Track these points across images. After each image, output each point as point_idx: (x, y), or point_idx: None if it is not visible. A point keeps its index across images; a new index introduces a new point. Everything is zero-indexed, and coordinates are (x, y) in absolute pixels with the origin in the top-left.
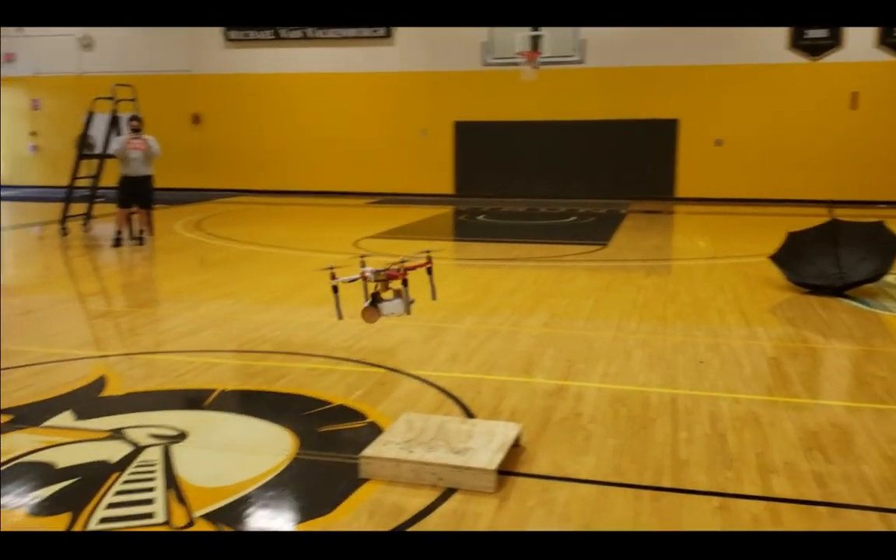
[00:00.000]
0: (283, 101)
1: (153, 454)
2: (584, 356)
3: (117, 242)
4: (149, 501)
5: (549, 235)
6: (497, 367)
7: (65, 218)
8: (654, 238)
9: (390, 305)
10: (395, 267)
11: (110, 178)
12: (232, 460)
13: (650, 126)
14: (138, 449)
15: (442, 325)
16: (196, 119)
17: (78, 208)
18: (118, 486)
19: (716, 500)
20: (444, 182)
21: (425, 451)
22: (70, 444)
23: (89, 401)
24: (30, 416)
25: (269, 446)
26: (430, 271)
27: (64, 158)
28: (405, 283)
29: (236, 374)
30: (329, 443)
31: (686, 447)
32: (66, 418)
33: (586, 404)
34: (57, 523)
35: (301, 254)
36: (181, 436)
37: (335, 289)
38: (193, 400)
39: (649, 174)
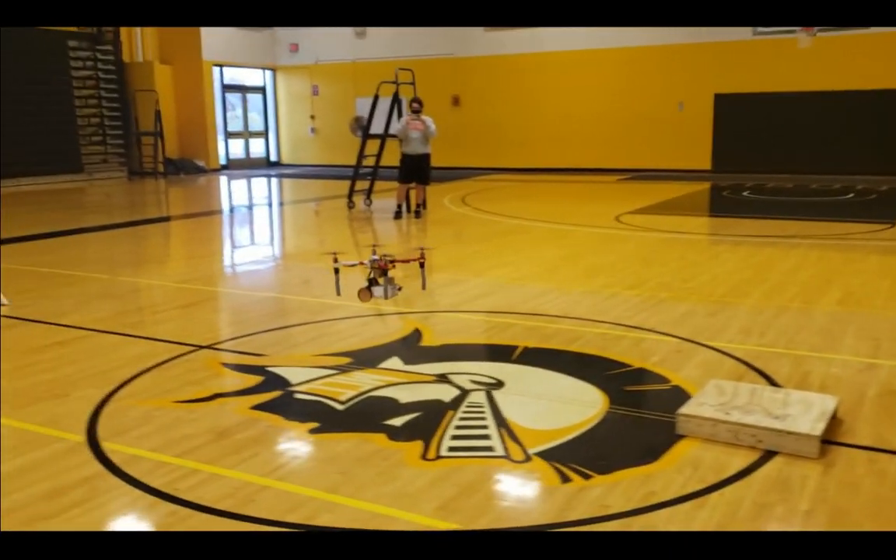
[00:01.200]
0: (537, 80)
1: (478, 397)
2: (892, 336)
3: (398, 215)
4: (486, 437)
5: (827, 213)
6: (795, 342)
7: (351, 193)
8: None
9: (378, 290)
10: (389, 259)
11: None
12: (550, 408)
13: None
14: (465, 392)
15: (725, 300)
16: (456, 100)
17: (360, 184)
18: (455, 422)
19: None
20: (700, 157)
21: (742, 414)
22: (405, 385)
23: (412, 349)
24: (365, 359)
25: (582, 399)
26: (422, 265)
27: (338, 139)
28: (385, 273)
29: (532, 334)
30: (637, 401)
31: None
32: (396, 362)
33: None
34: (414, 448)
35: (566, 228)
36: (499, 384)
37: (336, 271)
38: (501, 353)
39: None
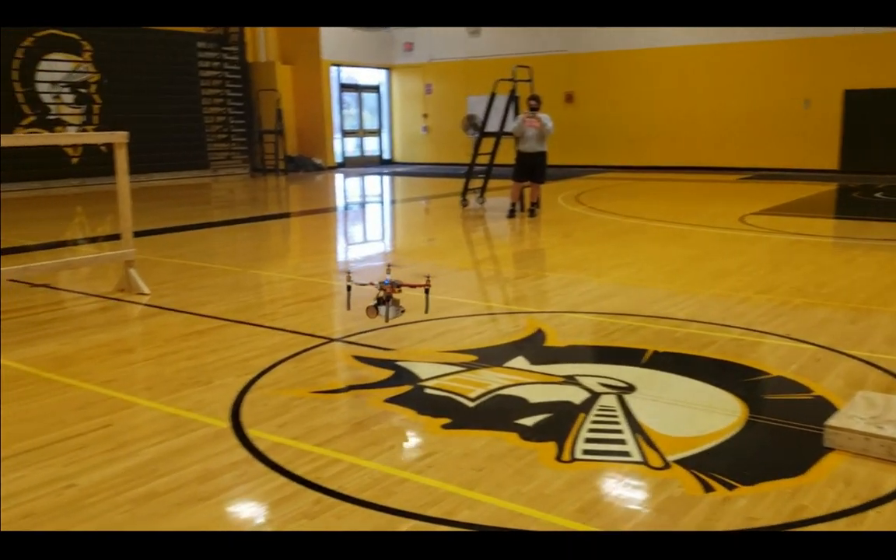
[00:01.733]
0: (653, 76)
1: (610, 401)
2: None
3: (512, 213)
4: (621, 442)
5: None
6: None
7: (465, 191)
8: None
9: (383, 309)
10: (396, 284)
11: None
12: (686, 415)
13: None
14: (595, 395)
15: (866, 307)
16: (569, 98)
17: (474, 182)
18: (588, 425)
19: None
20: (827, 156)
21: None
22: (533, 385)
23: (536, 349)
24: (491, 357)
25: (719, 406)
26: (427, 291)
27: (449, 137)
28: (389, 297)
29: (662, 338)
30: (779, 410)
31: None
32: (521, 362)
33: None
34: (548, 450)
35: (687, 228)
36: (630, 388)
37: (349, 288)
38: (630, 357)
39: None
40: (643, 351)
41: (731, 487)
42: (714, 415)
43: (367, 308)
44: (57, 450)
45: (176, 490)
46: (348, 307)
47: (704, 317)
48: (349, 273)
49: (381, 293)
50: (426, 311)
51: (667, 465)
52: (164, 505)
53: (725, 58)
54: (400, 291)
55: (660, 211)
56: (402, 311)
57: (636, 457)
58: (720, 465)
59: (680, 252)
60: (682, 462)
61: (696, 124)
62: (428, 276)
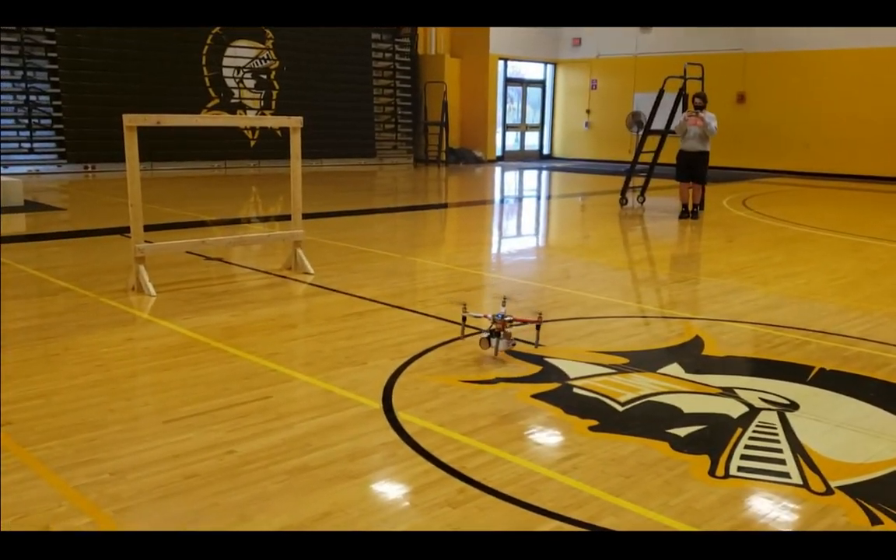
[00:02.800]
0: (828, 79)
1: (770, 418)
2: None
3: (683, 215)
4: (780, 462)
5: None
6: None
7: (625, 189)
8: None
9: (495, 341)
10: (508, 320)
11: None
12: (853, 439)
13: None
14: (754, 410)
15: None
16: (741, 98)
17: (635, 181)
18: (744, 441)
19: None
20: None
21: None
22: (687, 394)
23: (693, 357)
24: (644, 361)
25: (891, 433)
26: (538, 327)
27: (611, 134)
28: (500, 331)
29: (830, 355)
30: None
31: None
32: (676, 369)
33: None
34: (700, 462)
35: (862, 240)
36: (793, 405)
37: (464, 319)
38: (794, 372)
39: None
40: (809, 368)
41: None
42: (884, 442)
43: (480, 340)
44: (221, 416)
45: (327, 466)
46: (462, 334)
47: (878, 336)
48: (464, 305)
49: (494, 326)
50: (536, 346)
51: (830, 491)
52: (315, 479)
53: None
54: (511, 325)
55: (832, 220)
56: (514, 344)
57: (796, 479)
58: (890, 496)
59: (854, 265)
60: (847, 489)
61: (871, 130)
62: (540, 314)
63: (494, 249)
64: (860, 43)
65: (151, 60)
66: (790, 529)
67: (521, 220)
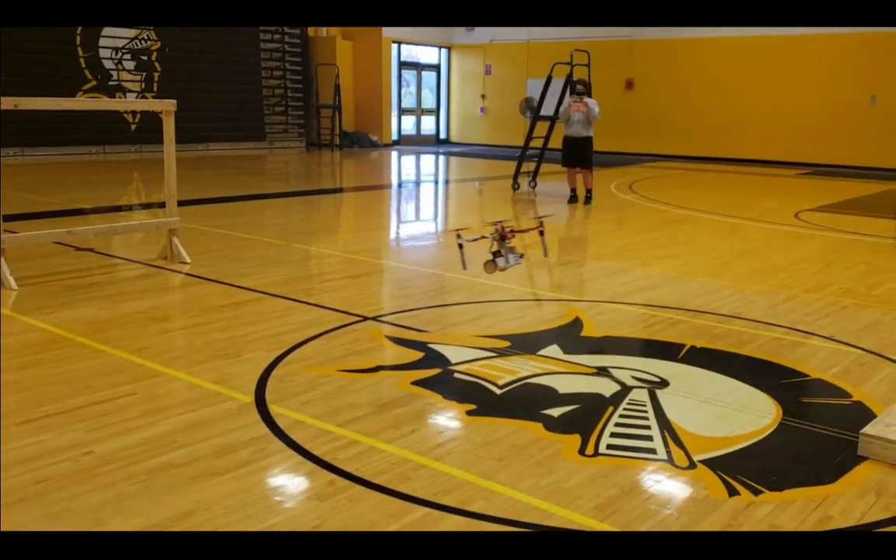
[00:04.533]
0: (714, 65)
1: (641, 395)
2: None
3: (572, 199)
4: (648, 438)
5: None
6: None
7: (517, 174)
8: None
9: (502, 260)
10: (511, 230)
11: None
12: (718, 414)
13: None
14: (626, 388)
15: None
16: (629, 84)
17: (526, 166)
18: (615, 419)
19: None
20: (893, 155)
21: None
22: (564, 375)
23: (571, 338)
24: (524, 344)
25: (753, 407)
26: (542, 233)
27: (506, 119)
28: (504, 239)
29: (701, 333)
30: (814, 414)
31: None
32: (555, 350)
33: None
34: (571, 442)
35: (739, 222)
36: (663, 383)
37: (460, 246)
38: (666, 351)
39: None
40: (681, 346)
41: (756, 492)
42: (746, 415)
43: (485, 264)
44: (80, 415)
45: (191, 463)
46: (464, 267)
47: (748, 313)
48: (458, 231)
49: (495, 246)
50: (545, 256)
51: (692, 465)
52: (178, 478)
53: (790, 49)
54: (514, 237)
55: (714, 203)
56: (522, 257)
57: (662, 455)
58: (748, 468)
59: (730, 246)
60: (709, 462)
61: (756, 116)
62: (541, 220)
63: (388, 235)
64: (740, 31)
65: (24, 39)
66: (653, 505)
67: (417, 205)
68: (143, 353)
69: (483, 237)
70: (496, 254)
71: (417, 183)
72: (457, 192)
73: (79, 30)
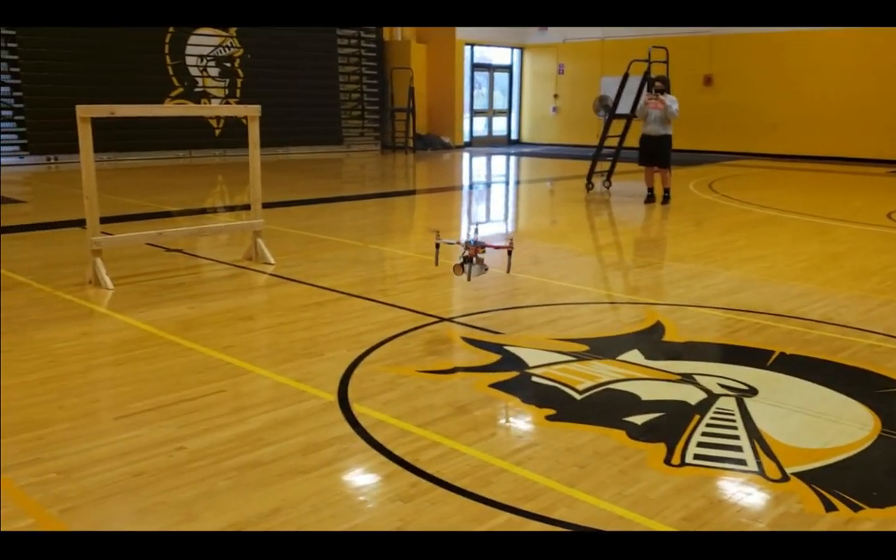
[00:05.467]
0: (797, 60)
1: (728, 404)
2: None
3: (649, 199)
4: (737, 448)
5: None
6: None
7: (591, 174)
8: None
9: (473, 269)
10: (482, 244)
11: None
12: (812, 424)
13: None
14: (713, 396)
15: None
16: (708, 80)
17: (601, 165)
18: (702, 428)
19: None
20: None
21: None
22: (646, 381)
23: (653, 343)
24: (603, 348)
25: (849, 417)
26: (509, 253)
27: (579, 119)
28: (474, 257)
29: (791, 339)
30: None
31: None
32: (636, 355)
33: None
34: (656, 451)
35: (827, 222)
36: (751, 391)
37: (437, 245)
38: (754, 357)
39: None
40: (769, 352)
41: (856, 508)
42: (842, 426)
43: (454, 266)
44: (172, 411)
45: (279, 461)
46: (436, 263)
47: (840, 319)
48: (437, 232)
49: (467, 252)
50: (508, 272)
51: (785, 478)
52: (266, 475)
53: (877, 43)
54: (484, 251)
55: (798, 202)
56: (486, 270)
57: (752, 466)
58: (845, 482)
59: (818, 248)
60: (803, 475)
61: (842, 112)
62: (511, 238)
63: (462, 237)
64: (826, 25)
65: (114, 49)
66: (744, 518)
67: (488, 206)
68: (230, 350)
69: (458, 243)
70: (467, 259)
71: (488, 184)
72: (528, 192)
73: (167, 38)
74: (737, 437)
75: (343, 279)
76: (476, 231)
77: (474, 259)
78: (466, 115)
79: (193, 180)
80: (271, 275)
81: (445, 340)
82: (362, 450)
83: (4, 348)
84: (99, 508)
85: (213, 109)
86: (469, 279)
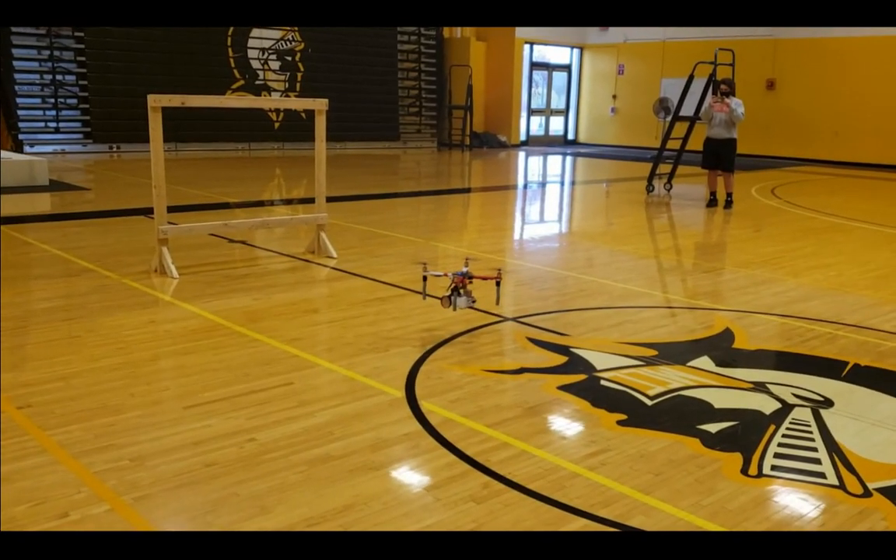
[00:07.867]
0: (863, 66)
1: (804, 415)
2: None
3: (711, 203)
4: (816, 461)
5: None
6: None
7: (652, 176)
8: None
9: (459, 300)
10: (469, 276)
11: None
12: (891, 439)
13: None
14: (787, 407)
15: None
16: (770, 84)
17: (662, 168)
18: (778, 439)
19: None
20: None
21: None
22: (718, 388)
23: (723, 350)
24: (673, 354)
25: None
26: (498, 283)
27: (637, 120)
28: (458, 288)
29: (865, 350)
30: None
31: None
32: (706, 362)
33: None
34: (732, 460)
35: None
36: (827, 402)
37: (424, 278)
38: (828, 368)
39: None
40: (843, 363)
41: None
42: None
43: (442, 298)
44: (241, 402)
45: (349, 456)
46: (424, 297)
47: None
48: (425, 264)
49: (453, 284)
50: (497, 303)
51: (867, 493)
52: (336, 470)
53: None
54: (472, 283)
55: (865, 210)
56: (474, 302)
57: (832, 479)
58: None
59: (888, 257)
60: (886, 491)
61: None
62: (499, 270)
63: (517, 236)
64: (888, 30)
65: (177, 41)
66: (827, 532)
67: (544, 206)
68: (297, 343)
69: (445, 275)
70: (454, 290)
71: (543, 184)
72: (584, 193)
73: (230, 31)
74: (815, 450)
75: (404, 275)
76: (466, 264)
77: (461, 290)
78: (523, 114)
79: (253, 173)
80: (333, 268)
81: (511, 340)
82: (432, 448)
83: (75, 333)
84: (172, 497)
85: (280, 102)
86: (454, 310)
